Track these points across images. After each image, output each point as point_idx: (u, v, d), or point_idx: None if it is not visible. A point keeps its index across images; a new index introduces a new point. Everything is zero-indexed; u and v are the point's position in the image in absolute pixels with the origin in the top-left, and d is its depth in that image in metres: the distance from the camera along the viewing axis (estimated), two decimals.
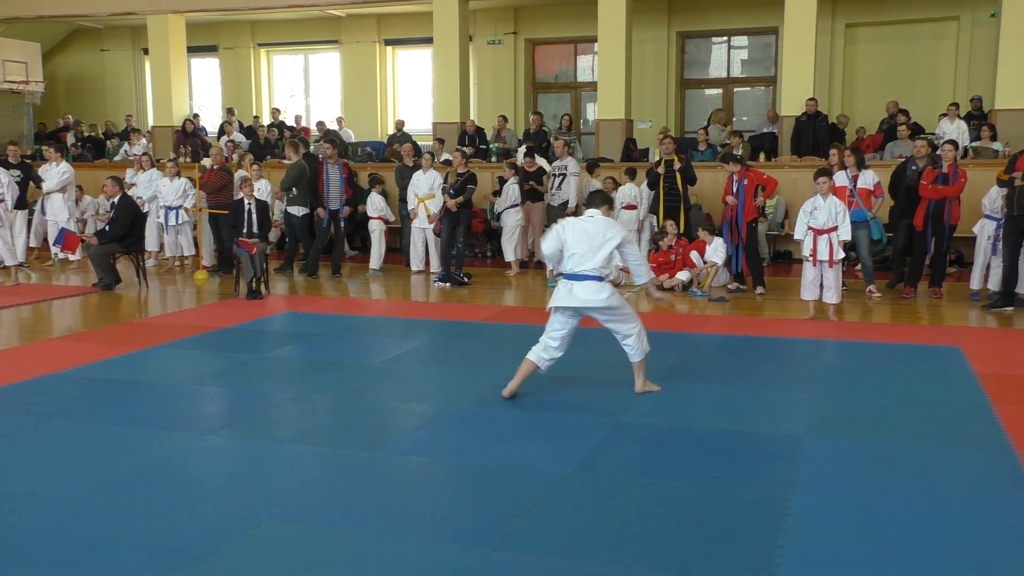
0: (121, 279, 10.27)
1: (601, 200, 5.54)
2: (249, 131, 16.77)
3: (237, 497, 3.96)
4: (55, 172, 11.64)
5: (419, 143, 12.91)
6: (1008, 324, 7.92)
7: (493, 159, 13.59)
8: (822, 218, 8.04)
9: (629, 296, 5.72)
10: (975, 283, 9.07)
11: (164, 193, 11.53)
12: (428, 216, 10.78)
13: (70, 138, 17.14)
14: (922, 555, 3.33)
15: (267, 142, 15.64)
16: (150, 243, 11.76)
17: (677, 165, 10.20)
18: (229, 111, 17.89)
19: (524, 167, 11.31)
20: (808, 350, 6.95)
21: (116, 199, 10.21)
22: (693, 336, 7.44)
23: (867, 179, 9.27)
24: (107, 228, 10.20)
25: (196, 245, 11.58)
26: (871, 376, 6.00)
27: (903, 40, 15.49)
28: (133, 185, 12.10)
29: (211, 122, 18.50)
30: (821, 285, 8.09)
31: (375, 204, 11.39)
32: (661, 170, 10.22)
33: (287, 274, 11.17)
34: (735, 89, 17.18)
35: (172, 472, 4.30)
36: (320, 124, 17.01)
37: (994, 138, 11.95)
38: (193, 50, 18.10)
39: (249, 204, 9.70)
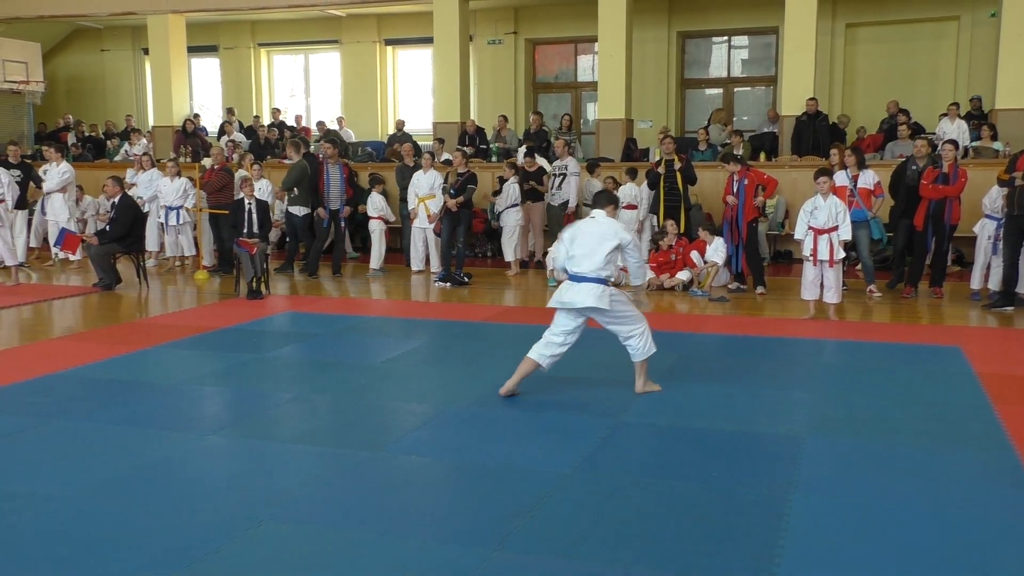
0: (121, 279, 10.28)
1: (606, 200, 5.53)
2: (249, 131, 16.77)
3: (237, 497, 3.96)
4: (55, 172, 11.64)
5: (419, 143, 12.91)
6: (1008, 324, 7.92)
7: (493, 159, 13.59)
8: (822, 218, 8.04)
9: (629, 296, 5.72)
10: (975, 283, 9.07)
11: (164, 193, 11.53)
12: (428, 216, 10.78)
13: (71, 138, 17.14)
14: (922, 555, 3.33)
15: (267, 142, 15.64)
16: (150, 243, 11.75)
17: (677, 165, 10.20)
18: (229, 111, 17.90)
19: (524, 167, 11.31)
20: (808, 350, 6.95)
21: (116, 199, 10.22)
22: (693, 336, 7.44)
23: (867, 179, 9.27)
24: (107, 228, 10.20)
25: (196, 245, 11.58)
26: (871, 376, 6.00)
27: (903, 40, 15.49)
28: (133, 185, 12.11)
29: (211, 122, 18.50)
30: (821, 285, 8.09)
31: (375, 204, 11.39)
32: (661, 170, 10.22)
33: (287, 274, 11.17)
34: (735, 89, 17.17)
35: (172, 472, 4.30)
36: (320, 124, 17.01)
37: (994, 138, 11.95)
38: (193, 50, 18.11)
39: (249, 204, 9.70)
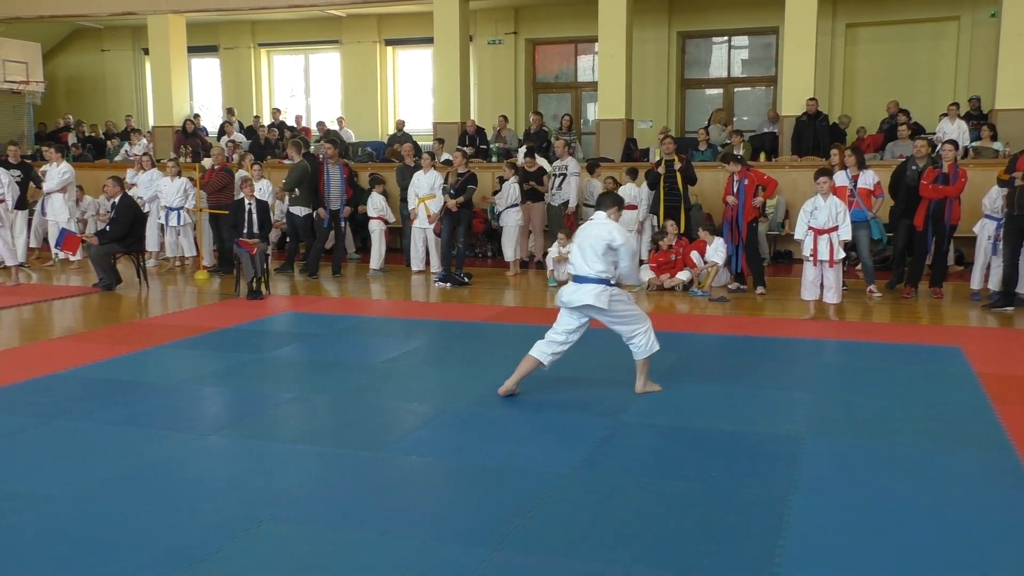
0: (122, 279, 10.28)
1: (610, 202, 5.51)
2: (249, 131, 16.78)
3: (237, 497, 3.96)
4: (55, 172, 11.64)
5: (419, 143, 12.91)
6: (1008, 324, 7.92)
7: (493, 159, 13.59)
8: (822, 218, 8.04)
9: (630, 296, 5.72)
10: (975, 283, 9.07)
11: (165, 193, 11.54)
12: (428, 216, 10.78)
13: (71, 138, 17.14)
14: (922, 555, 3.33)
15: (267, 142, 15.65)
16: (150, 243, 11.76)
17: (677, 165, 10.20)
18: (229, 111, 17.90)
19: (524, 167, 11.31)
20: (808, 350, 6.95)
21: (117, 199, 10.22)
22: (693, 336, 7.44)
23: (867, 179, 9.27)
24: (107, 228, 10.21)
25: (196, 245, 11.58)
26: (871, 376, 6.00)
27: (903, 40, 15.49)
28: (134, 185, 12.11)
29: (211, 122, 18.50)
30: (821, 285, 8.09)
31: (376, 204, 11.39)
32: (661, 170, 10.22)
33: (287, 274, 11.17)
34: (735, 89, 17.17)
35: (172, 472, 4.30)
36: (320, 124, 17.02)
37: (994, 138, 11.96)
38: (193, 50, 18.11)
39: (250, 204, 9.70)
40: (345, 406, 5.44)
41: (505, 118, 14.73)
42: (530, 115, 14.98)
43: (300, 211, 11.00)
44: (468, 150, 12.95)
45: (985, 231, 8.99)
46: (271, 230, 10.02)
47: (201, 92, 20.23)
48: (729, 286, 9.76)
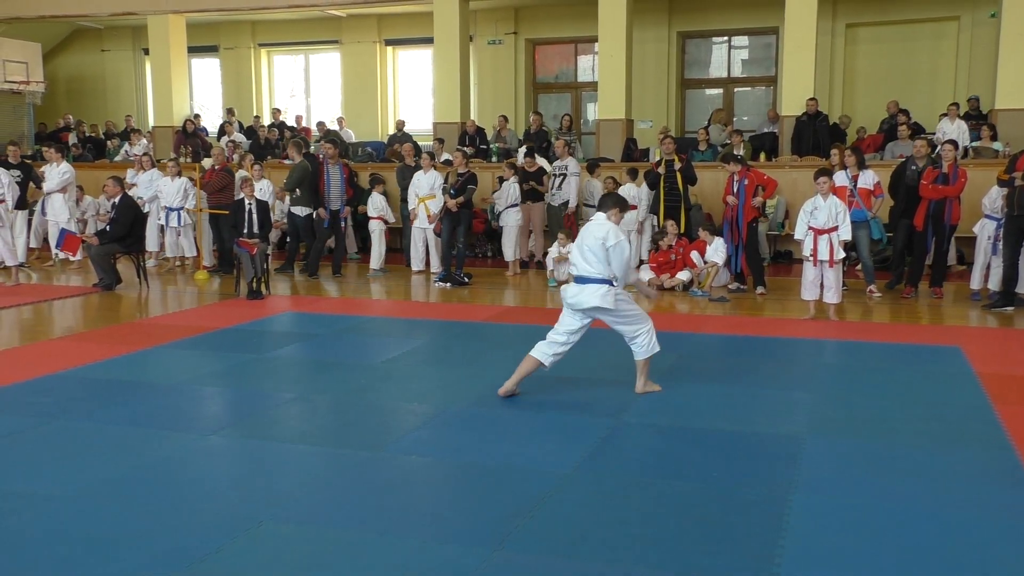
0: (122, 279, 10.28)
1: (611, 203, 5.50)
2: (250, 131, 16.78)
3: (238, 497, 3.96)
4: (55, 172, 11.64)
5: (419, 143, 12.91)
6: (1008, 324, 7.92)
7: (493, 159, 13.59)
8: (822, 218, 8.04)
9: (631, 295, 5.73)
10: (975, 283, 9.07)
11: (165, 193, 11.54)
12: (428, 216, 10.78)
13: (72, 138, 17.14)
14: (922, 555, 3.33)
15: (268, 142, 15.65)
16: (150, 243, 11.76)
17: (677, 165, 10.20)
18: (229, 111, 17.90)
19: (524, 167, 11.31)
20: (808, 350, 6.95)
21: (117, 199, 10.22)
22: (693, 336, 7.44)
23: (867, 179, 9.27)
24: (107, 228, 10.21)
25: (196, 246, 11.58)
26: (871, 376, 6.00)
27: (903, 40, 15.49)
28: (134, 185, 12.11)
29: (211, 122, 18.50)
30: (821, 285, 8.09)
31: (376, 204, 11.40)
32: (662, 170, 10.22)
33: (288, 274, 11.17)
34: (735, 89, 17.18)
35: (173, 472, 4.30)
36: (321, 124, 17.02)
37: (994, 138, 11.96)
38: (193, 50, 18.11)
39: (250, 204, 9.70)
40: (345, 406, 5.44)
41: (505, 118, 14.74)
42: (530, 115, 14.98)
43: (301, 211, 11.00)
44: (468, 150, 12.95)
45: (985, 231, 8.99)
46: (271, 230, 10.02)
47: (201, 92, 20.23)
48: (729, 286, 9.77)
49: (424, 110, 18.08)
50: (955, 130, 12.27)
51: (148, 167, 12.30)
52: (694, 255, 9.74)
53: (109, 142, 17.49)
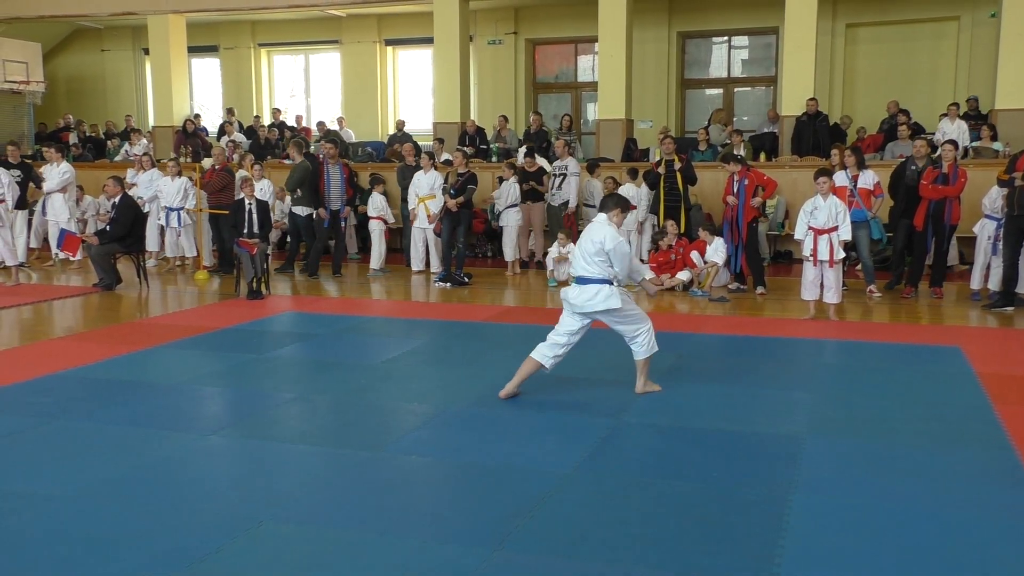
0: (122, 279, 10.28)
1: (612, 204, 5.50)
2: (250, 131, 16.78)
3: (238, 497, 3.96)
4: (55, 172, 11.64)
5: (419, 143, 12.91)
6: (1008, 324, 7.92)
7: (493, 159, 13.59)
8: (822, 218, 8.04)
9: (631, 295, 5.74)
10: (975, 283, 9.07)
11: (165, 193, 11.53)
12: (428, 216, 10.78)
13: (72, 138, 17.14)
14: (922, 555, 3.33)
15: (268, 142, 15.65)
16: (150, 243, 11.76)
17: (677, 165, 10.20)
18: (229, 111, 17.90)
19: (524, 167, 11.31)
20: (808, 350, 6.95)
21: (117, 199, 10.22)
22: (693, 336, 7.44)
23: (867, 179, 9.27)
24: (108, 228, 10.21)
25: (196, 246, 11.58)
26: (871, 376, 6.00)
27: (903, 40, 15.49)
28: (134, 185, 12.11)
29: (211, 122, 18.51)
30: (821, 285, 8.09)
31: (376, 204, 11.40)
32: (661, 170, 10.22)
33: (288, 274, 11.17)
34: (735, 89, 17.18)
35: (173, 472, 4.30)
36: (321, 124, 17.02)
37: (994, 138, 11.96)
38: (193, 50, 18.11)
39: (250, 204, 9.70)
40: (345, 406, 5.44)
41: (505, 118, 14.74)
42: (530, 115, 14.98)
43: (303, 211, 11.00)
44: (468, 150, 12.95)
45: (985, 231, 8.99)
46: (271, 230, 10.02)
47: (201, 92, 20.23)
48: (729, 286, 9.76)
49: (424, 110, 18.08)
50: (955, 130, 12.26)
51: (148, 167, 12.29)
52: (694, 255, 9.75)
53: (109, 142, 17.49)
